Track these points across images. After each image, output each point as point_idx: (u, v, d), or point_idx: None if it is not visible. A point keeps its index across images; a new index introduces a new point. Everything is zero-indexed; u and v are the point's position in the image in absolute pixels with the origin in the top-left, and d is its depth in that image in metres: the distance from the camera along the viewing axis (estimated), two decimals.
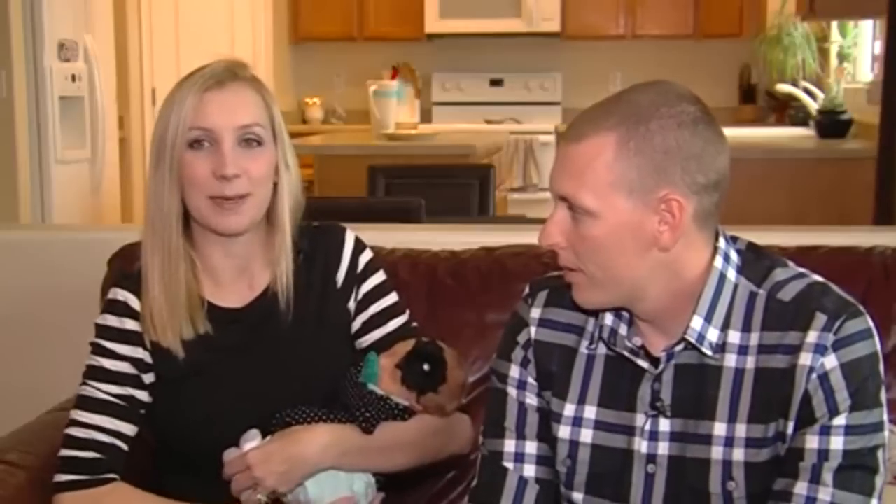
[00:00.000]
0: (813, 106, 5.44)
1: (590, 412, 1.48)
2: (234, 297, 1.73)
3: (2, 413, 2.26)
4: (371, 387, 1.67)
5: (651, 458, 1.43)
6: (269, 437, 1.65)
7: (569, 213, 1.38)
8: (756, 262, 1.44)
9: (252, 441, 1.64)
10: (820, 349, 1.34)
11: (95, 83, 4.69)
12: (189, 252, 1.70)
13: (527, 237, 1.78)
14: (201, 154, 1.63)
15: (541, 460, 1.52)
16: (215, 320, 1.70)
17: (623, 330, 1.46)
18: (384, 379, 1.67)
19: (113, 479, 1.65)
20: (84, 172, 4.70)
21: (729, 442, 1.38)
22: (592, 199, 1.35)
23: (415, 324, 1.82)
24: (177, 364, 1.67)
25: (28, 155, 4.39)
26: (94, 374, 1.68)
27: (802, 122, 5.85)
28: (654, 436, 1.43)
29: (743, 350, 1.39)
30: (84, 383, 1.68)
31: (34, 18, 4.35)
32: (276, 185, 1.69)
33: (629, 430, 1.45)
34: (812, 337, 1.34)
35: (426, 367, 1.66)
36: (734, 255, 1.43)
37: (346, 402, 1.66)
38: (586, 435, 1.48)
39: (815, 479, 1.33)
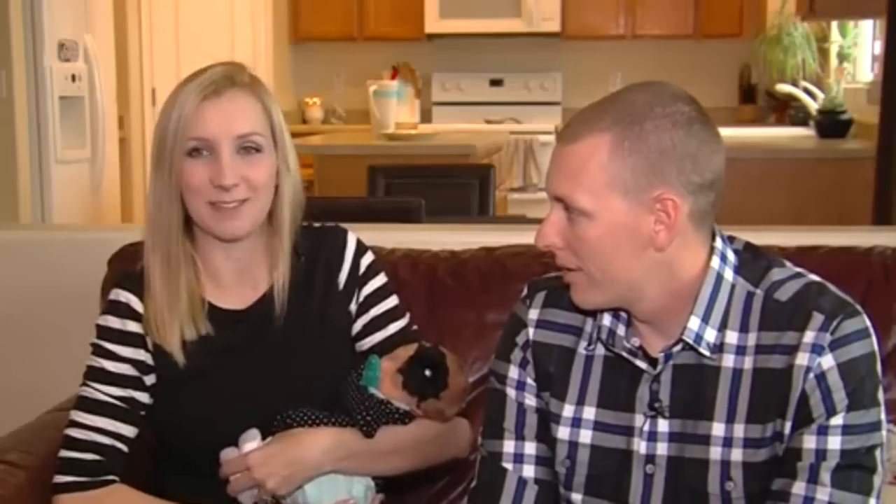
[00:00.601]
0: (813, 106, 5.44)
1: (589, 413, 1.48)
2: (235, 298, 1.73)
3: (2, 413, 2.26)
4: (372, 390, 1.67)
5: (650, 458, 1.43)
6: (269, 438, 1.65)
7: (565, 214, 1.38)
8: (753, 261, 1.44)
9: (251, 441, 1.64)
10: (817, 349, 1.34)
11: (95, 83, 4.69)
12: (191, 254, 1.70)
13: (527, 237, 1.78)
14: (200, 162, 1.63)
15: (540, 461, 1.52)
16: (217, 321, 1.70)
17: (621, 330, 1.46)
18: (385, 383, 1.67)
19: (112, 481, 1.65)
20: (84, 172, 4.70)
21: (727, 442, 1.39)
22: (588, 200, 1.35)
23: (415, 327, 1.82)
24: (179, 366, 1.67)
25: (28, 155, 4.39)
26: (95, 375, 1.68)
27: (802, 122, 5.85)
28: (652, 436, 1.43)
29: (741, 350, 1.39)
30: (84, 384, 1.68)
31: (34, 18, 4.35)
32: (276, 187, 1.69)
33: (628, 431, 1.45)
34: (809, 337, 1.34)
35: (428, 372, 1.66)
36: (731, 255, 1.43)
37: (346, 405, 1.66)
38: (585, 436, 1.48)
39: (814, 479, 1.33)
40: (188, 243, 1.69)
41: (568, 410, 1.49)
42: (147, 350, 1.69)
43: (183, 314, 1.67)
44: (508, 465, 1.52)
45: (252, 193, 1.64)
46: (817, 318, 1.35)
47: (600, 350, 1.48)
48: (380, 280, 1.80)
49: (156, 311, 1.67)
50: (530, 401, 1.53)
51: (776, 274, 1.42)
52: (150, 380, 1.69)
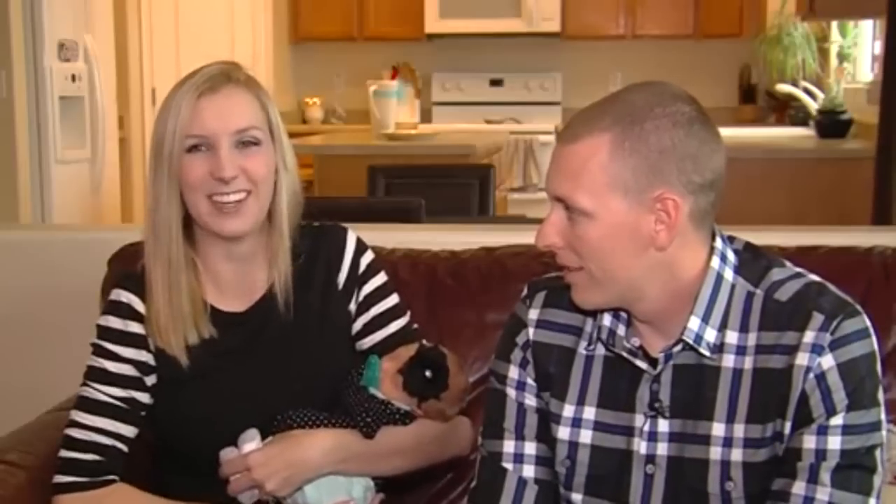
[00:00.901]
0: (813, 106, 5.44)
1: (589, 413, 1.48)
2: (236, 301, 1.73)
3: (2, 413, 2.26)
4: (372, 391, 1.67)
5: (650, 458, 1.43)
6: (269, 438, 1.65)
7: (565, 214, 1.38)
8: (753, 261, 1.44)
9: (251, 441, 1.64)
10: (817, 349, 1.34)
11: (95, 83, 4.69)
12: (191, 256, 1.69)
13: (527, 237, 1.78)
14: (199, 156, 1.62)
15: (540, 461, 1.52)
16: (219, 324, 1.70)
17: (621, 330, 1.46)
18: (385, 383, 1.67)
19: (113, 481, 1.65)
20: (84, 172, 4.70)
21: (727, 442, 1.39)
22: (588, 200, 1.35)
23: (415, 325, 1.82)
24: (180, 368, 1.67)
25: (28, 155, 4.39)
26: (96, 375, 1.67)
27: (802, 122, 5.85)
28: (652, 436, 1.43)
29: (741, 350, 1.39)
30: (85, 384, 1.68)
31: (34, 18, 4.35)
32: (274, 185, 1.69)
33: (628, 431, 1.45)
34: (809, 337, 1.34)
35: (428, 373, 1.65)
36: (731, 255, 1.43)
37: (347, 405, 1.66)
38: (585, 436, 1.48)
39: (813, 479, 1.33)
40: (188, 245, 1.69)
41: (568, 410, 1.49)
42: (149, 351, 1.68)
43: (186, 318, 1.66)
44: (508, 465, 1.52)
45: (252, 186, 1.64)
46: (817, 318, 1.35)
47: (600, 350, 1.48)
48: (380, 279, 1.80)
49: (158, 315, 1.66)
50: (530, 401, 1.53)
51: (776, 274, 1.42)
52: (150, 380, 1.69)
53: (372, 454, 1.66)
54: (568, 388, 1.50)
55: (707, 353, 1.40)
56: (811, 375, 1.34)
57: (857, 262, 1.96)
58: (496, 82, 7.68)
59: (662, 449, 1.43)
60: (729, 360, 1.40)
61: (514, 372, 1.54)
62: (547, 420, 1.51)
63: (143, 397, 1.69)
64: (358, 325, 1.78)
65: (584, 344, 1.50)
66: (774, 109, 7.20)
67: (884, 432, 1.36)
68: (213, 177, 1.62)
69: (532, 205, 6.45)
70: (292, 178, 1.71)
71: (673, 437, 1.42)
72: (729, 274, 1.41)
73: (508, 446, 1.53)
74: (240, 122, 1.63)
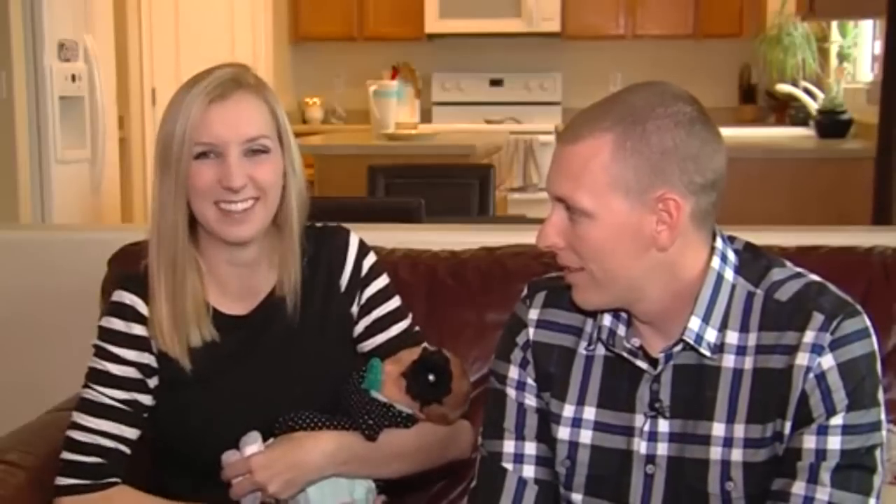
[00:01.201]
0: (813, 106, 5.44)
1: (589, 413, 1.48)
2: (238, 304, 1.72)
3: (2, 413, 2.26)
4: (374, 394, 1.66)
5: (650, 458, 1.43)
6: (270, 440, 1.65)
7: (566, 214, 1.38)
8: (753, 261, 1.44)
9: (252, 444, 1.63)
10: (817, 349, 1.34)
11: (95, 83, 4.69)
12: (195, 257, 1.68)
13: (527, 237, 1.78)
14: (207, 163, 1.61)
15: (540, 461, 1.52)
16: (221, 327, 1.69)
17: (621, 331, 1.46)
18: (388, 386, 1.67)
19: (115, 483, 1.64)
20: (84, 172, 4.70)
21: (727, 442, 1.39)
22: (589, 201, 1.35)
23: (417, 328, 1.82)
24: (183, 370, 1.66)
25: (28, 155, 4.39)
26: (99, 378, 1.67)
27: (802, 122, 5.86)
28: (653, 436, 1.43)
29: (741, 350, 1.39)
30: (87, 386, 1.67)
31: (34, 18, 4.36)
32: (283, 188, 1.68)
33: (628, 431, 1.45)
34: (809, 337, 1.34)
35: (431, 377, 1.65)
36: (731, 256, 1.43)
37: (348, 407, 1.66)
38: (585, 436, 1.48)
39: (813, 479, 1.33)
40: (192, 246, 1.68)
41: (568, 410, 1.49)
42: (151, 353, 1.68)
43: (189, 321, 1.66)
44: (508, 465, 1.52)
45: (260, 193, 1.63)
46: (817, 318, 1.35)
47: (600, 350, 1.48)
48: (382, 281, 1.80)
49: (161, 317, 1.65)
50: (530, 401, 1.53)
51: (776, 274, 1.42)
52: (153, 382, 1.69)
53: (374, 456, 1.66)
54: (568, 389, 1.50)
55: (707, 353, 1.40)
56: (811, 375, 1.34)
57: (857, 262, 1.96)
58: (496, 82, 7.68)
59: (662, 449, 1.43)
60: (729, 360, 1.40)
61: (514, 372, 1.54)
62: (547, 420, 1.51)
63: (146, 399, 1.68)
64: (360, 328, 1.77)
65: (584, 344, 1.50)
66: (774, 109, 7.21)
67: (884, 432, 1.36)
68: (222, 185, 1.60)
69: (532, 205, 6.45)
70: (300, 180, 1.70)
71: (673, 438, 1.42)
72: (729, 274, 1.41)
73: (508, 446, 1.53)
74: (249, 131, 1.62)
